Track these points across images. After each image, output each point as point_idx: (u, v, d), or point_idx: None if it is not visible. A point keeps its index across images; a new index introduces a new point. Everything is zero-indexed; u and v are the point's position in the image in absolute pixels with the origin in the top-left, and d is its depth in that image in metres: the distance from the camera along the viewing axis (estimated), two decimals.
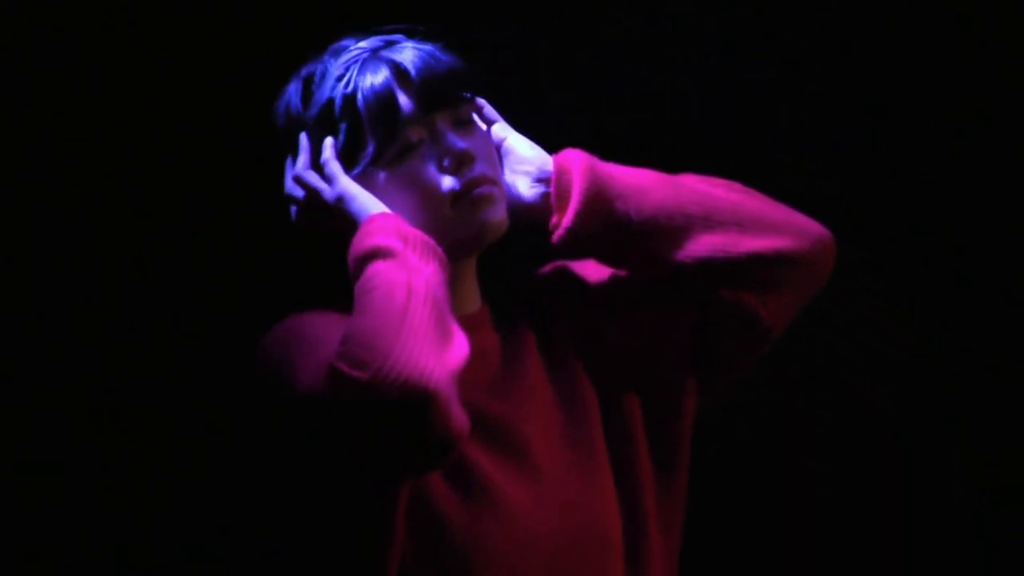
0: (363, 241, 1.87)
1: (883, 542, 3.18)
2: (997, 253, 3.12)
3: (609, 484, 1.97)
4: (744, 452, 3.16)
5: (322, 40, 2.10)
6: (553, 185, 1.98)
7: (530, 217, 2.00)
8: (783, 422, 3.16)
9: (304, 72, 2.03)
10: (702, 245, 1.97)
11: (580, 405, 2.00)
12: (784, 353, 2.94)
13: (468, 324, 1.89)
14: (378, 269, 1.83)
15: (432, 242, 1.87)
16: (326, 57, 2.02)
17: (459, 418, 1.75)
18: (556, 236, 1.98)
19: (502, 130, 2.03)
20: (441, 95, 1.94)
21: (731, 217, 1.98)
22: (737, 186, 2.03)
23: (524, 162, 2.01)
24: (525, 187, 2.00)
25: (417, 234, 1.86)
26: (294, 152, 2.00)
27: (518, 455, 1.93)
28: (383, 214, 1.89)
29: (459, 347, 1.79)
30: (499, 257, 2.03)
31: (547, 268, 2.10)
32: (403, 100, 1.94)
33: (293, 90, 2.03)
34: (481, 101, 2.02)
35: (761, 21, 3.05)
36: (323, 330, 1.87)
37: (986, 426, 3.16)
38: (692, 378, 2.02)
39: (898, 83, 3.09)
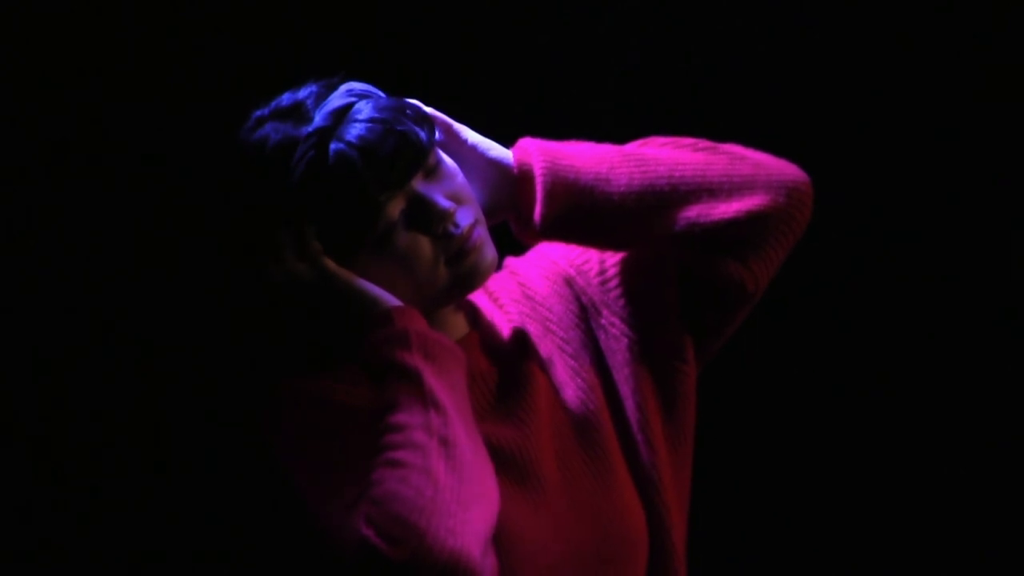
0: (381, 349, 1.83)
1: (885, 536, 3.18)
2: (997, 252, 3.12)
3: (626, 480, 1.95)
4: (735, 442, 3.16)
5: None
6: (516, 186, 1.95)
7: (499, 217, 1.98)
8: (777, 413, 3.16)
9: (265, 147, 1.93)
10: (675, 219, 1.94)
11: (585, 405, 1.97)
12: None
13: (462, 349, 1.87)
14: (401, 400, 1.79)
15: (450, 344, 1.84)
16: (279, 126, 1.92)
17: (491, 570, 1.76)
18: (527, 238, 1.97)
19: (459, 131, 1.98)
20: (409, 163, 1.89)
21: (700, 184, 1.94)
22: (703, 143, 1.99)
23: (484, 167, 1.97)
24: (491, 188, 1.98)
25: (436, 340, 1.83)
26: (268, 237, 1.94)
27: (529, 481, 1.91)
28: (397, 312, 1.85)
29: (491, 497, 1.77)
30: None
31: (530, 255, 2.07)
32: (376, 184, 1.87)
33: (257, 167, 1.93)
34: (432, 113, 1.97)
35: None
36: (337, 457, 1.82)
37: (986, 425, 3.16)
38: (688, 345, 2.00)
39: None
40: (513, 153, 1.97)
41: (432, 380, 1.80)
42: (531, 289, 2.03)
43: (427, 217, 1.89)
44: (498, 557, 1.85)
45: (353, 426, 1.84)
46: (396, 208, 1.89)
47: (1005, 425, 3.15)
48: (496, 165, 1.97)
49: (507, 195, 1.97)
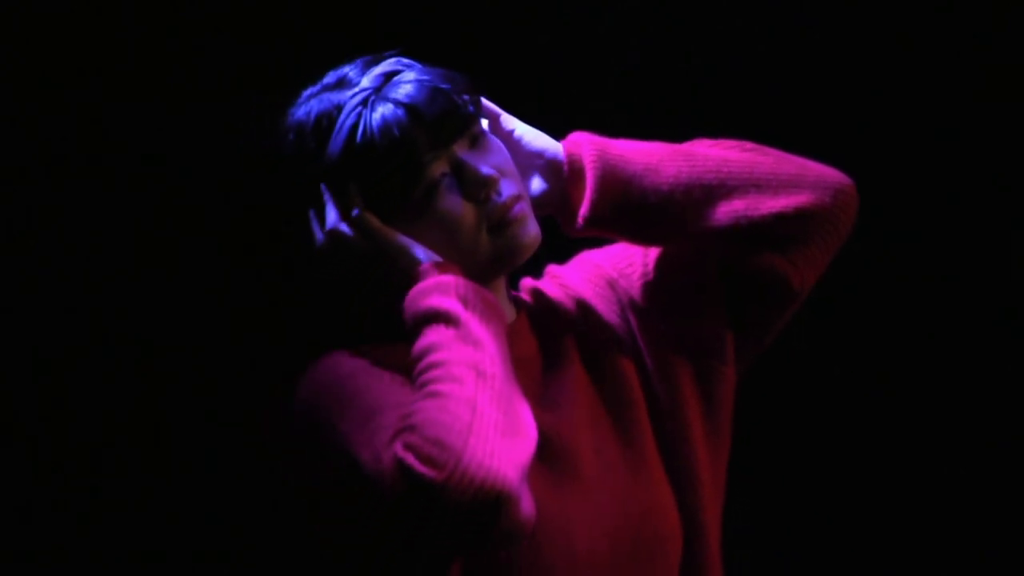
0: (420, 299, 1.83)
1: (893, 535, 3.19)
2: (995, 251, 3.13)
3: (661, 477, 1.95)
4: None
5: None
6: (566, 174, 1.97)
7: (547, 209, 1.99)
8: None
9: (312, 112, 1.97)
10: (722, 213, 1.95)
11: (625, 401, 1.97)
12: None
13: (508, 336, 1.86)
14: (440, 339, 1.79)
15: (491, 298, 1.84)
16: (328, 95, 1.98)
17: (526, 511, 1.74)
18: (575, 226, 1.98)
19: (507, 122, 2.01)
20: (454, 124, 1.90)
21: (748, 180, 1.96)
22: (750, 145, 2.01)
23: (533, 155, 1.99)
24: (538, 179, 1.99)
25: (476, 291, 1.83)
26: (315, 203, 1.96)
27: (566, 468, 1.91)
28: (437, 265, 1.86)
29: (528, 435, 1.76)
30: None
31: (573, 262, 2.09)
32: (420, 140, 1.89)
33: (303, 135, 1.97)
34: (482, 101, 1.99)
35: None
36: (374, 394, 1.81)
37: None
38: (730, 345, 2.01)
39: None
40: (563, 144, 1.98)
41: (471, 321, 1.80)
42: (573, 290, 2.04)
43: (469, 182, 1.90)
44: (532, 542, 1.85)
45: (392, 375, 1.84)
46: (438, 170, 1.91)
47: (1005, 425, 3.15)
48: (544, 155, 1.99)
49: (555, 186, 1.98)
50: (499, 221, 1.91)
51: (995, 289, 3.13)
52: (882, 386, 3.15)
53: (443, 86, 1.91)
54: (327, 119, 1.94)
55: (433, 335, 1.80)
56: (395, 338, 1.86)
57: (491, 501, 1.69)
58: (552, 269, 2.08)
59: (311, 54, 2.92)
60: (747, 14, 3.05)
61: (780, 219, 1.96)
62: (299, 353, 2.96)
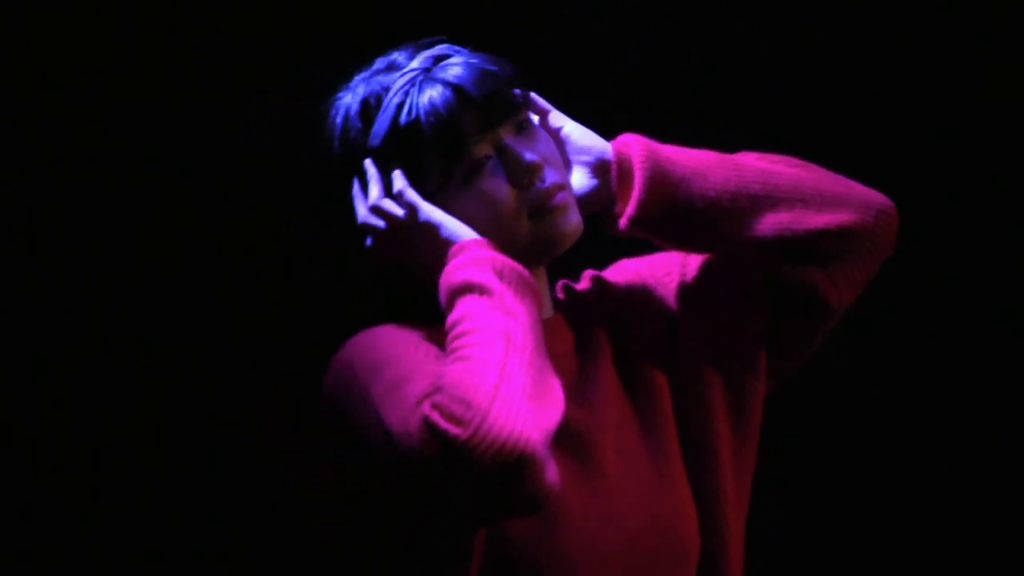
0: (456, 272, 1.84)
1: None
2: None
3: (685, 489, 1.95)
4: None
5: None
6: (614, 173, 1.97)
7: (593, 207, 1.99)
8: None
9: (360, 94, 1.98)
10: (766, 224, 1.96)
11: (653, 407, 1.98)
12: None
13: (544, 332, 1.86)
14: (474, 308, 1.80)
15: (527, 275, 1.84)
16: (377, 77, 1.98)
17: (550, 477, 1.73)
18: (620, 225, 1.98)
19: (556, 119, 2.02)
20: (501, 107, 1.92)
21: (794, 194, 1.97)
22: (796, 161, 2.02)
23: (581, 151, 1.99)
24: (585, 177, 1.99)
25: (512, 266, 1.84)
26: (360, 179, 1.98)
27: (592, 465, 1.91)
28: (475, 241, 1.87)
29: (556, 402, 1.77)
30: (564, 257, 2.02)
31: (611, 268, 2.10)
32: (466, 120, 1.91)
33: (350, 115, 1.99)
34: (532, 95, 2.00)
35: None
36: (408, 360, 1.82)
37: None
38: (763, 359, 2.01)
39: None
40: (612, 144, 1.99)
41: (505, 293, 1.81)
42: (611, 294, 2.05)
43: (512, 166, 1.91)
44: (553, 536, 1.86)
45: (428, 348, 1.84)
46: (482, 151, 1.92)
47: (1005, 426, 3.15)
48: (593, 153, 1.99)
49: (601, 185, 1.99)
50: (540, 207, 1.92)
51: (995, 289, 3.13)
52: (857, 385, 3.15)
53: (491, 69, 1.93)
54: (375, 99, 1.96)
55: (466, 305, 1.81)
56: (433, 317, 1.87)
57: (514, 460, 1.69)
58: (591, 273, 2.09)
59: (311, 54, 2.93)
60: (747, 14, 3.05)
61: (823, 235, 1.97)
62: (299, 353, 2.97)
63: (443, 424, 1.69)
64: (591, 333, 2.01)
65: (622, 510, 1.91)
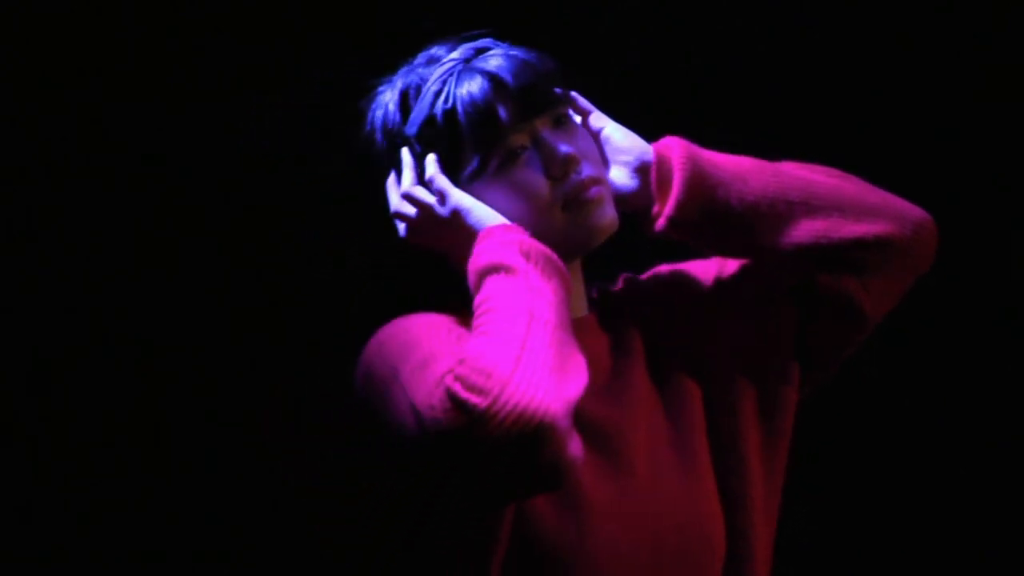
0: (484, 255, 1.85)
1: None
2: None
3: (712, 491, 1.96)
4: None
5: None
6: (653, 174, 1.98)
7: (630, 207, 1.99)
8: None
9: (399, 85, 2.00)
10: (803, 231, 1.98)
11: (685, 412, 1.99)
12: None
13: (576, 328, 1.87)
14: (499, 287, 1.81)
15: (554, 256, 1.85)
16: (418, 69, 2.00)
17: (573, 449, 1.74)
18: (657, 225, 1.98)
19: (598, 120, 2.02)
20: (538, 100, 1.93)
21: (832, 202, 1.99)
22: (836, 172, 2.04)
23: (622, 152, 2.00)
24: (624, 177, 1.99)
25: (539, 248, 1.85)
26: (396, 168, 1.98)
27: (617, 461, 1.92)
28: (503, 225, 1.88)
29: (579, 376, 1.77)
30: (602, 261, 2.03)
31: (647, 273, 2.10)
32: (502, 110, 1.92)
33: (389, 105, 2.00)
34: (574, 94, 2.02)
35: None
36: (436, 342, 1.83)
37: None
38: (795, 369, 2.02)
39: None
40: (653, 146, 2.00)
41: (531, 273, 1.82)
42: (646, 298, 2.06)
43: (547, 157, 1.92)
44: (578, 531, 1.87)
45: (459, 332, 1.86)
46: (518, 142, 1.93)
47: (1006, 427, 3.15)
48: (633, 154, 2.00)
49: (640, 186, 1.99)
50: (575, 199, 1.93)
51: (995, 289, 3.13)
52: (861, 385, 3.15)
53: (531, 61, 1.94)
54: (415, 90, 1.98)
55: (491, 285, 1.82)
56: (465, 306, 1.88)
57: (533, 428, 1.69)
58: (626, 276, 2.09)
59: (311, 54, 2.93)
60: (747, 14, 3.05)
61: (859, 244, 1.98)
62: (299, 353, 2.97)
63: (463, 394, 1.70)
64: (625, 335, 2.02)
65: (649, 509, 1.91)
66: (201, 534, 2.93)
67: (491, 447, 1.69)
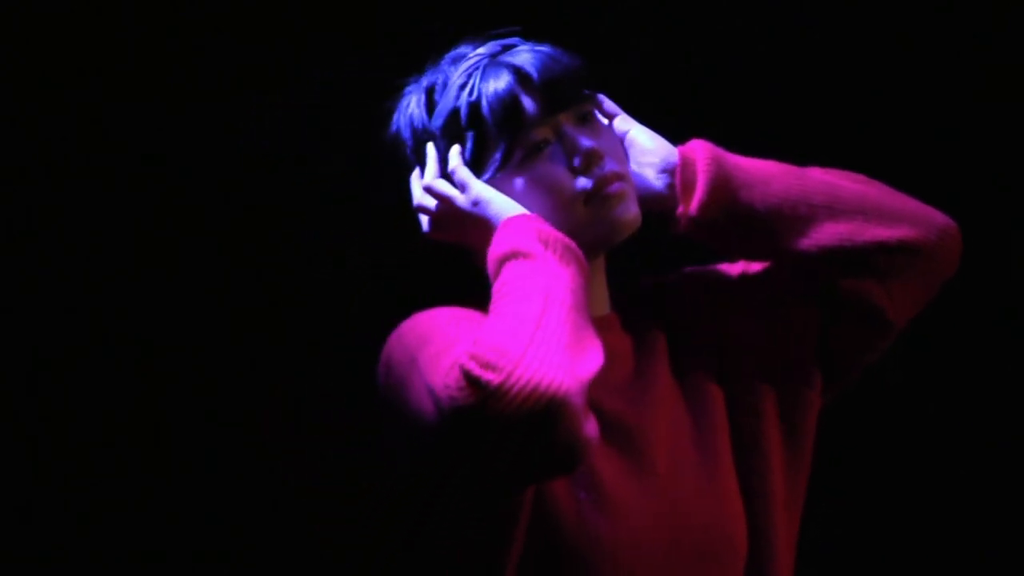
0: (502, 243, 1.86)
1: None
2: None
3: (735, 492, 1.96)
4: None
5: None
6: (678, 175, 1.99)
7: (655, 208, 2.00)
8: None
9: (424, 83, 2.02)
10: (826, 234, 1.98)
11: (707, 413, 1.99)
12: None
13: (598, 326, 1.88)
14: (516, 271, 1.82)
15: (572, 244, 1.86)
16: (444, 66, 2.01)
17: (588, 428, 1.73)
18: (681, 226, 1.99)
19: (624, 123, 2.03)
20: (563, 95, 1.94)
21: (855, 206, 1.99)
22: (861, 177, 2.04)
23: (648, 153, 2.01)
24: (649, 178, 2.00)
25: (557, 236, 1.85)
26: (422, 165, 1.99)
27: (639, 459, 1.92)
28: (522, 216, 1.89)
29: (594, 356, 1.77)
30: (624, 262, 2.03)
31: (671, 275, 2.10)
32: (527, 102, 1.94)
33: (415, 102, 2.02)
34: (601, 96, 2.03)
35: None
36: (455, 331, 1.84)
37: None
38: (818, 373, 2.02)
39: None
40: (679, 149, 2.01)
41: (548, 258, 1.83)
42: (669, 299, 2.06)
43: (569, 151, 1.93)
44: (598, 526, 1.87)
45: (480, 321, 1.86)
46: (541, 135, 1.94)
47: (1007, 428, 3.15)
48: (659, 155, 2.01)
49: (666, 187, 2.00)
50: (597, 193, 1.93)
51: (995, 290, 3.13)
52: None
53: (557, 57, 1.96)
54: (441, 86, 1.99)
55: (509, 270, 1.83)
56: (486, 300, 1.88)
57: (545, 404, 1.69)
58: (650, 278, 2.10)
59: (311, 54, 2.93)
60: (747, 14, 3.05)
61: (882, 248, 1.98)
62: (299, 353, 2.97)
63: (476, 371, 1.70)
64: (647, 335, 2.02)
65: (670, 508, 1.92)
66: (201, 534, 2.93)
67: (505, 423, 1.69)
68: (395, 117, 2.04)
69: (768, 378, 2.01)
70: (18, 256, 2.87)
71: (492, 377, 1.70)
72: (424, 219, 1.98)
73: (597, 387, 1.87)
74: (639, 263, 2.06)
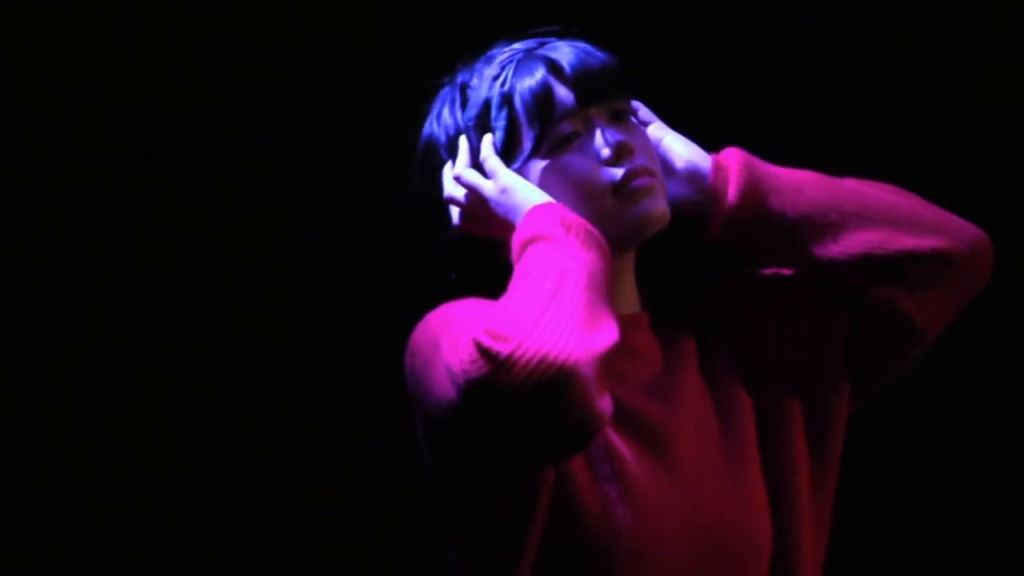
0: (526, 229, 1.86)
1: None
2: None
3: (761, 493, 1.96)
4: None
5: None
6: (711, 180, 1.99)
7: (688, 213, 2.01)
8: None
9: (459, 80, 2.03)
10: (856, 242, 1.98)
11: (735, 415, 1.99)
12: None
13: (627, 324, 1.89)
14: (536, 253, 1.83)
15: (595, 231, 1.86)
16: (478, 64, 2.03)
17: (600, 402, 1.73)
18: (712, 231, 2.00)
19: (659, 130, 2.04)
20: (596, 89, 1.95)
21: (887, 215, 1.99)
22: (894, 188, 2.05)
23: (681, 159, 2.01)
24: (682, 183, 2.00)
25: (580, 222, 1.86)
26: (454, 158, 1.99)
27: (664, 456, 1.92)
28: (548, 203, 1.89)
29: (608, 332, 1.77)
30: (655, 262, 2.03)
31: (703, 278, 2.10)
32: (559, 93, 1.95)
33: (448, 99, 2.03)
34: (636, 103, 2.04)
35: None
36: (480, 314, 1.84)
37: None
38: (846, 380, 2.02)
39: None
40: (712, 156, 2.02)
41: (569, 242, 1.84)
42: (700, 301, 2.06)
43: (599, 142, 1.94)
44: (620, 518, 1.87)
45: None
46: (572, 127, 1.95)
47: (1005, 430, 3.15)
48: (692, 161, 2.01)
49: (698, 192, 2.00)
50: (625, 185, 1.94)
51: (995, 290, 3.13)
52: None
53: (593, 52, 1.97)
54: (476, 80, 2.00)
55: (530, 253, 1.84)
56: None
57: (555, 373, 1.70)
58: (681, 280, 2.10)
59: (311, 54, 2.93)
60: (747, 14, 3.05)
61: (913, 257, 1.98)
62: (299, 353, 2.97)
63: (487, 342, 1.71)
64: (677, 335, 2.02)
65: (694, 506, 1.92)
66: (201, 534, 2.93)
67: (515, 393, 1.70)
68: (429, 117, 2.04)
69: (796, 383, 2.01)
70: (18, 256, 2.87)
71: (502, 348, 1.70)
72: (455, 211, 1.98)
73: (622, 383, 1.90)
74: (669, 268, 2.06)
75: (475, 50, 2.05)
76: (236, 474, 2.94)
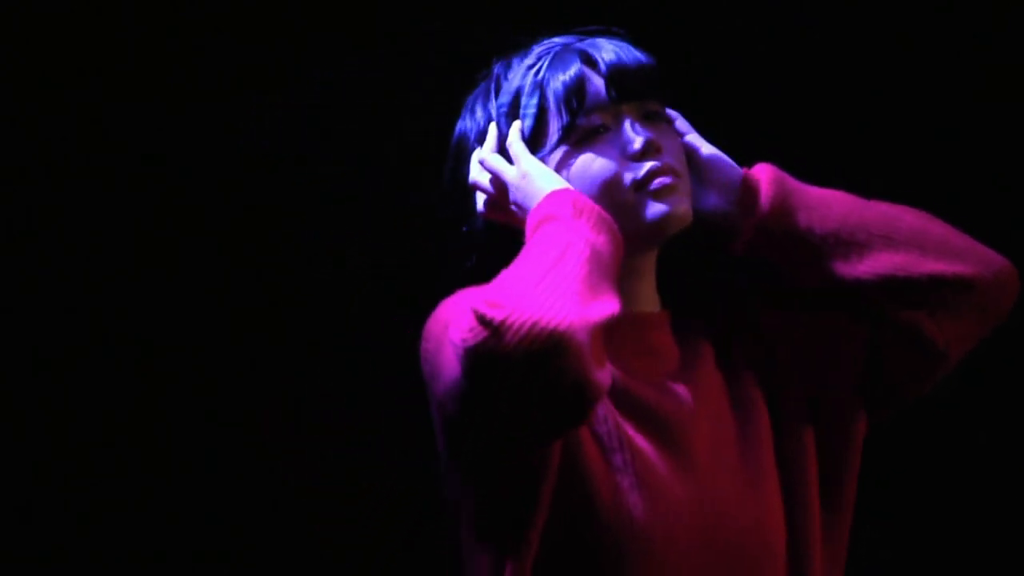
0: (538, 212, 1.88)
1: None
2: None
3: (776, 498, 1.97)
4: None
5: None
6: (740, 193, 2.00)
7: (717, 225, 2.02)
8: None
9: (495, 71, 2.04)
10: (882, 262, 1.99)
11: (751, 420, 2.00)
12: None
13: (645, 322, 1.91)
14: (544, 231, 1.84)
15: (608, 217, 1.87)
16: (516, 57, 2.04)
17: (598, 372, 1.74)
18: (739, 243, 2.01)
19: (694, 141, 2.05)
20: (630, 86, 1.97)
21: (913, 238, 2.00)
22: (924, 214, 2.06)
23: (712, 171, 2.02)
24: (713, 196, 2.01)
25: (593, 207, 1.86)
26: (482, 144, 2.01)
27: (678, 452, 1.93)
28: (565, 189, 1.90)
29: (607, 303, 1.78)
30: (679, 266, 2.04)
31: (728, 285, 2.11)
32: (591, 86, 1.97)
33: (483, 89, 2.04)
34: (673, 113, 2.05)
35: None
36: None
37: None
38: (864, 397, 2.03)
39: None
40: (744, 170, 2.03)
41: (579, 223, 1.84)
42: (723, 307, 2.08)
43: (627, 137, 1.95)
44: (632, 509, 1.88)
45: None
46: (603, 119, 1.96)
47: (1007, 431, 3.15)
48: (724, 172, 2.02)
49: (727, 204, 2.01)
50: (648, 181, 1.94)
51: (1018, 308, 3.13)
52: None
53: (631, 50, 1.99)
54: (513, 70, 2.02)
55: (539, 233, 1.85)
56: None
57: (547, 337, 1.70)
58: (703, 287, 2.10)
59: (311, 54, 2.93)
60: (747, 14, 3.05)
61: (937, 281, 1.99)
62: (299, 353, 2.97)
63: (483, 309, 1.72)
64: (697, 337, 2.04)
65: (708, 505, 1.92)
66: (201, 534, 2.93)
67: (509, 358, 1.70)
68: (464, 110, 2.06)
69: (813, 397, 2.03)
70: (18, 256, 2.87)
71: (496, 314, 1.71)
72: (480, 198, 1.99)
73: (638, 379, 1.92)
74: (697, 274, 2.06)
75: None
76: (236, 474, 2.93)
